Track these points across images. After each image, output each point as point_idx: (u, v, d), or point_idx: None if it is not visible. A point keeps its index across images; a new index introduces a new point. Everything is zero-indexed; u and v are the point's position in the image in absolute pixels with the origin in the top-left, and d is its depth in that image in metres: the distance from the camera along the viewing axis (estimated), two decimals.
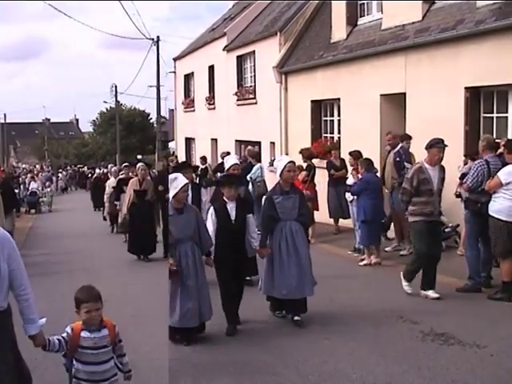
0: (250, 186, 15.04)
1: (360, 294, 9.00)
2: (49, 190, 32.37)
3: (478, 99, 11.84)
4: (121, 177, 17.00)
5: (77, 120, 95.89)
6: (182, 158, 29.13)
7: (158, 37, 35.22)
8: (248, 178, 15.01)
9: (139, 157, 41.83)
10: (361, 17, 16.31)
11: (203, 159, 21.31)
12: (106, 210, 19.75)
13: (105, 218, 20.41)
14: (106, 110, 63.48)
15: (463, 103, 11.79)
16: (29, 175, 35.93)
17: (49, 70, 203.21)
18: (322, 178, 14.94)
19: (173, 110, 35.56)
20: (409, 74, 13.31)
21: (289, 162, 7.84)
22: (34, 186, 30.99)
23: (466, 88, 11.76)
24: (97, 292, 5.05)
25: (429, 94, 12.68)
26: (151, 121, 63.54)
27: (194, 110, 30.10)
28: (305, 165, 14.02)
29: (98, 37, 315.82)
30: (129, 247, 13.77)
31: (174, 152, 31.59)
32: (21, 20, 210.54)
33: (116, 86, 51.27)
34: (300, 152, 14.70)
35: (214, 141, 27.12)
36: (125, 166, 17.25)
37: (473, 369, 5.92)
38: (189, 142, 31.53)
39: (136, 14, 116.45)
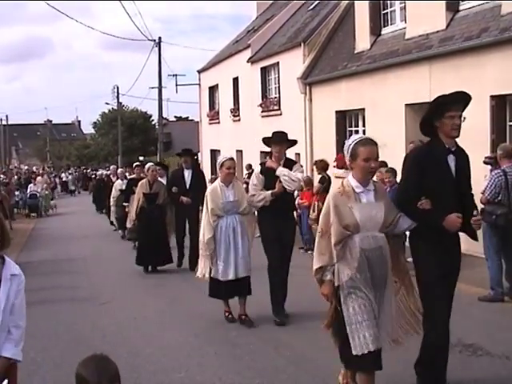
0: None
1: None
2: (46, 192, 30.92)
3: (503, 107, 11.76)
4: (132, 177, 16.22)
5: (79, 121, 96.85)
6: (207, 169, 29.23)
7: (159, 38, 35.59)
8: None
9: (141, 158, 41.89)
10: (384, 26, 16.30)
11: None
12: (114, 215, 18.73)
13: (112, 223, 19.66)
14: (108, 111, 63.96)
15: (489, 112, 11.72)
16: (38, 178, 34.07)
17: (51, 72, 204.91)
18: None
19: (198, 122, 35.76)
20: (433, 83, 13.25)
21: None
22: (33, 188, 29.94)
23: (491, 96, 11.69)
24: (113, 369, 3.10)
25: None
26: (153, 122, 63.97)
27: (218, 122, 30.22)
28: (319, 177, 13.93)
29: (99, 38, 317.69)
30: (137, 259, 12.50)
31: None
32: (23, 21, 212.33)
33: (118, 88, 51.91)
34: (314, 164, 14.69)
35: (239, 152, 27.17)
36: (136, 166, 16.05)
37: (502, 380, 5.85)
38: (214, 153, 31.63)
39: (138, 15, 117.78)
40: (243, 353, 7.01)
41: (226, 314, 8.39)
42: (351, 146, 5.02)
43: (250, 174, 22.85)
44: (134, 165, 16.56)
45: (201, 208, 11.41)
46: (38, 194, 29.42)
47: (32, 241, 19.39)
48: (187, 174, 12.34)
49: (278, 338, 7.37)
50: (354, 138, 5.11)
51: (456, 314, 8.23)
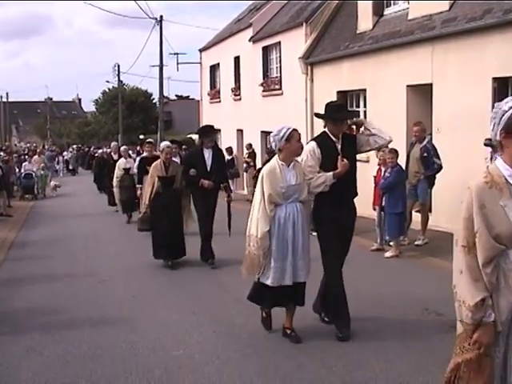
0: None
1: (384, 286, 8.98)
2: (42, 172, 27.88)
3: (505, 89, 11.70)
4: (144, 155, 14.68)
5: (79, 99, 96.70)
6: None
7: (161, 16, 35.47)
8: None
9: (141, 136, 41.72)
10: (387, 7, 16.22)
11: (229, 150, 21.30)
12: (117, 197, 16.98)
13: (111, 204, 18.55)
14: (109, 89, 63.89)
15: (491, 93, 11.66)
16: (35, 157, 31.30)
17: (51, 49, 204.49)
18: None
19: (198, 101, 35.68)
20: (435, 64, 13.20)
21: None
22: (28, 167, 27.39)
23: (493, 78, 11.63)
24: None
25: (456, 85, 12.56)
26: (154, 101, 63.64)
27: (219, 101, 30.13)
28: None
29: (100, 15, 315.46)
30: (155, 252, 10.95)
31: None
32: None
33: (119, 66, 52.09)
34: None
35: (240, 132, 27.15)
36: (148, 143, 14.73)
37: None
38: None
39: None
40: (242, 331, 7.05)
41: (264, 314, 7.04)
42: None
43: (249, 154, 22.91)
44: (146, 141, 15.44)
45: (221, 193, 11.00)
46: (33, 174, 26.88)
47: (31, 219, 19.39)
48: (207, 155, 10.75)
49: (276, 317, 7.39)
50: None
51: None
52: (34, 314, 8.10)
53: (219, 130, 12.06)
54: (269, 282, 6.52)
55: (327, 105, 6.98)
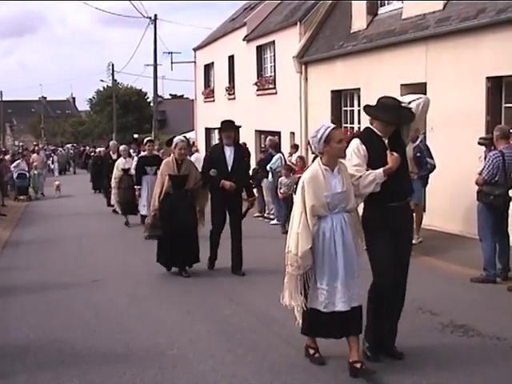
0: (270, 176, 15.09)
1: None
2: (36, 172, 26.65)
3: (499, 89, 11.73)
4: (143, 154, 14.44)
5: (73, 98, 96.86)
6: (202, 148, 29.16)
7: (155, 15, 35.60)
8: (268, 167, 15.05)
9: (136, 136, 41.65)
10: (381, 6, 16.23)
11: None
12: (115, 198, 16.08)
13: (110, 205, 17.79)
14: (103, 88, 64.08)
15: (484, 93, 11.69)
16: (34, 155, 29.90)
17: (45, 47, 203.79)
18: None
19: (193, 100, 35.65)
20: (429, 63, 13.21)
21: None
22: (22, 166, 26.05)
23: (487, 78, 11.66)
24: None
25: (450, 84, 12.58)
26: (148, 100, 63.85)
27: (213, 100, 30.10)
28: (312, 156, 13.91)
29: (94, 14, 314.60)
30: (159, 257, 10.01)
31: (194, 142, 31.65)
32: None
33: (113, 65, 52.37)
34: (308, 144, 14.69)
35: None
36: (148, 141, 14.34)
37: (493, 361, 5.89)
38: (209, 131, 31.53)
39: None
40: (236, 330, 7.04)
41: (311, 351, 6.00)
42: None
43: None
44: (146, 140, 14.96)
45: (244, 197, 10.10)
46: (27, 174, 25.85)
47: (26, 218, 19.34)
48: (229, 153, 9.83)
49: (271, 317, 7.38)
50: None
51: (450, 295, 8.33)
52: (27, 313, 8.07)
53: (239, 127, 10.97)
54: (321, 307, 5.59)
55: (380, 100, 6.15)
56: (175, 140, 10.02)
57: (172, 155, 9.99)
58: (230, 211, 9.86)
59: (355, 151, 5.73)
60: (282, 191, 13.99)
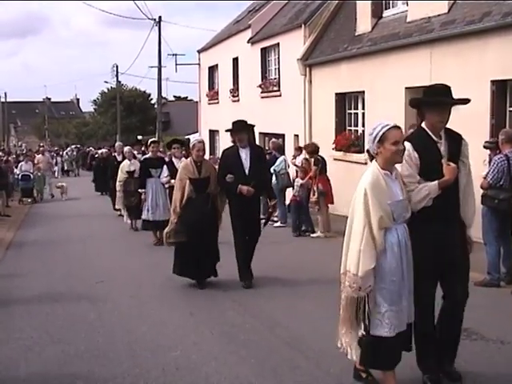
0: (274, 179, 15.08)
1: None
2: (39, 174, 25.88)
3: (504, 92, 11.72)
4: (148, 156, 13.90)
5: (77, 100, 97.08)
6: (206, 149, 29.12)
7: (159, 17, 35.66)
8: (272, 170, 15.05)
9: (139, 137, 41.64)
10: (386, 9, 16.21)
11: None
12: (121, 202, 15.59)
13: (116, 209, 17.18)
14: (107, 89, 64.43)
15: (489, 96, 11.68)
16: (39, 156, 28.92)
17: (50, 49, 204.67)
18: (341, 171, 14.87)
19: (197, 102, 35.69)
20: (434, 66, 13.20)
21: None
22: (26, 167, 25.33)
23: (492, 81, 11.65)
24: None
25: (454, 88, 12.38)
26: (152, 102, 63.86)
27: (218, 102, 30.12)
28: (311, 160, 13.89)
29: (98, 15, 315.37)
30: (176, 267, 9.36)
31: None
32: None
33: (117, 66, 52.64)
34: (304, 148, 14.68)
35: None
36: (152, 142, 13.84)
37: (496, 365, 5.88)
38: (213, 134, 31.56)
39: None
40: (239, 332, 7.04)
41: (364, 374, 5.39)
42: None
43: None
44: (150, 141, 14.36)
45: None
46: (30, 176, 25.10)
47: (30, 219, 19.36)
48: (244, 156, 9.22)
49: (274, 319, 7.39)
50: None
51: None
52: (31, 313, 8.09)
53: (253, 126, 10.25)
54: (385, 333, 4.87)
55: (428, 89, 5.54)
56: (192, 141, 9.50)
57: (190, 157, 9.52)
58: (247, 218, 9.13)
59: (406, 159, 5.04)
60: (297, 194, 13.95)
